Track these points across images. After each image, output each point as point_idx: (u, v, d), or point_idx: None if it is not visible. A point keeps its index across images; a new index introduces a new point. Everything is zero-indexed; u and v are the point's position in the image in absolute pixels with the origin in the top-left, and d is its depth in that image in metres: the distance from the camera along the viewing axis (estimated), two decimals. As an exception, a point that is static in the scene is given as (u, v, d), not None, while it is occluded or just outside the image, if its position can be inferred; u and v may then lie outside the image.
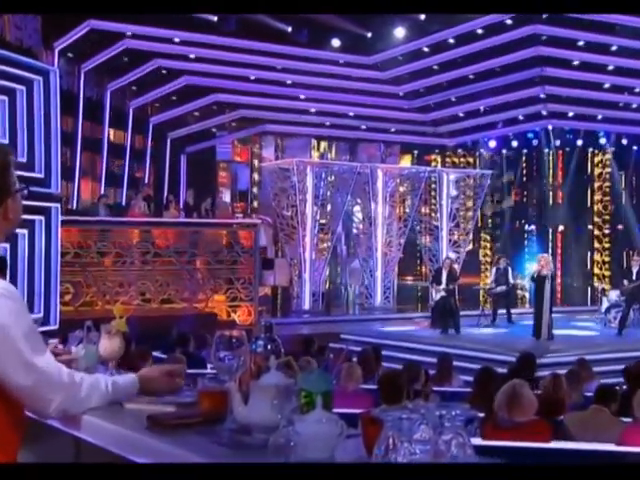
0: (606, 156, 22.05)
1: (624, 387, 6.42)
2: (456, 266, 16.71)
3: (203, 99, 18.87)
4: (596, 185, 22.48)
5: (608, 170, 22.32)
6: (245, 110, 19.61)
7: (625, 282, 14.12)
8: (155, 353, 8.29)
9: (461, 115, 20.27)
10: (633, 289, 13.77)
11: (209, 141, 21.30)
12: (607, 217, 22.34)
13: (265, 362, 2.04)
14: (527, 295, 20.05)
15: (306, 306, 17.63)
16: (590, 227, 22.52)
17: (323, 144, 22.82)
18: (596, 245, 22.41)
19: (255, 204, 21.88)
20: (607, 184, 22.41)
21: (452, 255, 19.06)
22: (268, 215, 19.33)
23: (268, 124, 20.48)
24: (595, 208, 22.54)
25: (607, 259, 22.00)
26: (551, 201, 23.08)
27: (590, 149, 22.04)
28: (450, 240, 19.71)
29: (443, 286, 14.41)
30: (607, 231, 22.30)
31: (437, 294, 14.54)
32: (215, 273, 14.10)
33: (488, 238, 23.42)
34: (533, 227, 23.22)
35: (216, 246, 14.25)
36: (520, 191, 23.44)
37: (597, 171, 22.44)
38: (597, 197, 22.54)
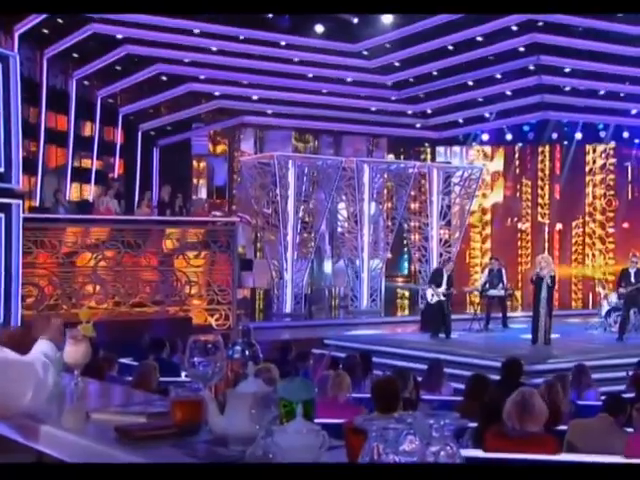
0: (610, 145, 21.68)
1: (631, 395, 6.46)
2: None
3: (177, 88, 18.79)
4: (598, 178, 22.00)
5: (612, 161, 21.78)
6: (222, 100, 19.56)
7: (623, 285, 14.21)
8: (126, 360, 8.25)
9: (452, 107, 20.32)
10: (631, 292, 13.83)
11: (184, 133, 21.22)
12: (611, 214, 21.91)
13: (242, 369, 2.04)
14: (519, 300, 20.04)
15: (287, 309, 17.62)
16: (592, 225, 22.11)
17: (306, 137, 22.82)
18: (598, 245, 22.02)
19: (233, 201, 21.83)
20: (611, 176, 21.87)
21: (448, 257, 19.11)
22: (247, 213, 19.32)
23: (247, 115, 20.44)
24: (597, 204, 22.08)
25: (611, 262, 21.46)
26: (547, 197, 23.04)
27: (589, 142, 21.92)
28: (441, 239, 19.77)
29: (443, 289, 14.41)
30: (611, 230, 21.93)
31: (433, 297, 14.57)
32: (190, 274, 14.08)
33: (477, 238, 23.24)
34: (527, 225, 23.09)
35: (191, 246, 14.20)
36: (512, 185, 23.35)
37: (599, 162, 21.97)
38: (599, 191, 22.06)
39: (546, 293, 12.88)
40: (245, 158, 20.23)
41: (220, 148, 22.52)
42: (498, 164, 23.08)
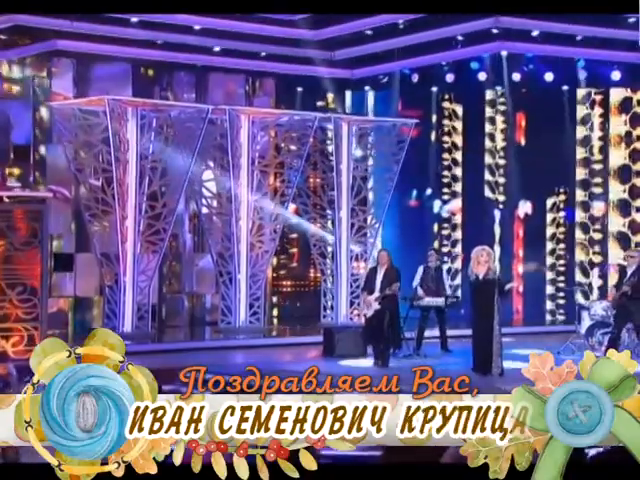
0: None
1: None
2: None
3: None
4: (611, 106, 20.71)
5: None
6: (21, 15, 19.08)
7: (615, 289, 14.64)
8: None
9: (370, 33, 20.45)
10: (623, 301, 14.22)
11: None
12: None
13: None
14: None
15: (127, 328, 17.68)
16: (593, 208, 21.29)
17: (153, 74, 22.61)
18: (614, 253, 20.77)
19: (42, 167, 21.37)
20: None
21: (356, 248, 19.26)
22: (64, 186, 19.11)
23: (61, 39, 20.05)
24: (610, 162, 20.81)
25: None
26: (501, 150, 22.38)
27: (565, 87, 21.76)
28: (353, 225, 20.00)
29: (376, 295, 14.51)
30: None
31: (368, 309, 14.66)
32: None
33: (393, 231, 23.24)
34: (455, 205, 22.71)
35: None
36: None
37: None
38: (612, 130, 20.49)
39: (494, 302, 13.09)
40: (60, 103, 19.88)
41: (19, 88, 22.00)
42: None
